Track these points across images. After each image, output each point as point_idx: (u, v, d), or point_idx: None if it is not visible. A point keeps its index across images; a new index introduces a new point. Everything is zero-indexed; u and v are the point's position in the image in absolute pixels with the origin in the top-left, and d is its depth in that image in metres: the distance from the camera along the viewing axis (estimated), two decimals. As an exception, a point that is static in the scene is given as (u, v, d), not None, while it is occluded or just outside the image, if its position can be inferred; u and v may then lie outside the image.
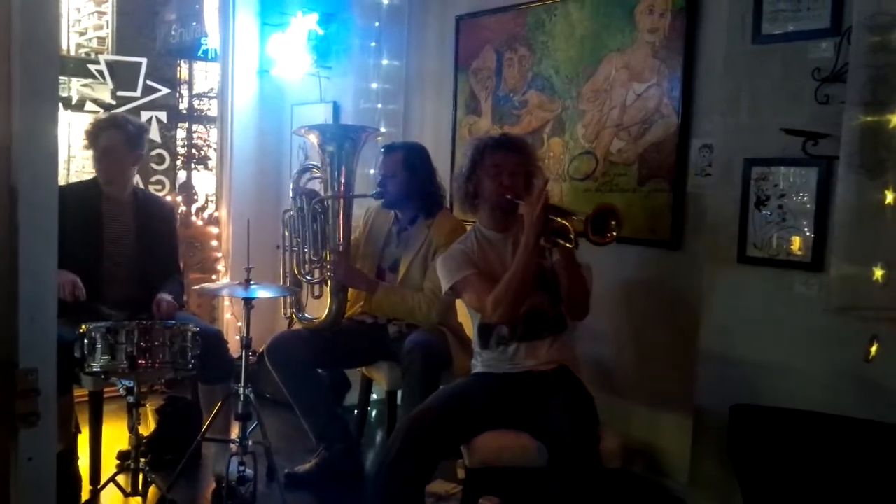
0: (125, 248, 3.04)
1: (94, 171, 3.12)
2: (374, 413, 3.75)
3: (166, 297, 2.94)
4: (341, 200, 3.03)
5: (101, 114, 3.89)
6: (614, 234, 2.16)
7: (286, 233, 3.11)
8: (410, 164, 3.05)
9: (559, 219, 2.25)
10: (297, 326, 3.19)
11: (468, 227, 3.05)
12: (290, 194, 3.18)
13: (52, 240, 1.23)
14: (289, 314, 3.17)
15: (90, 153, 3.12)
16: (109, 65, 4.15)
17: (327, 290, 3.06)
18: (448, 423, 2.34)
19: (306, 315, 3.13)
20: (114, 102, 4.13)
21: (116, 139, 3.03)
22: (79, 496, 2.80)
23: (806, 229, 2.21)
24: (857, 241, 1.95)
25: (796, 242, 2.24)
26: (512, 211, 2.52)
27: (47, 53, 1.25)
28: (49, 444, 1.29)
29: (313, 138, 3.08)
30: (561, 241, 2.28)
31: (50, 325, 1.25)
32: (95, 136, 3.04)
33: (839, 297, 1.99)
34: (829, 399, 2.12)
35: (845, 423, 2.01)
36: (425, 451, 2.28)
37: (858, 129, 1.92)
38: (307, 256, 3.05)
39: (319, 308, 3.09)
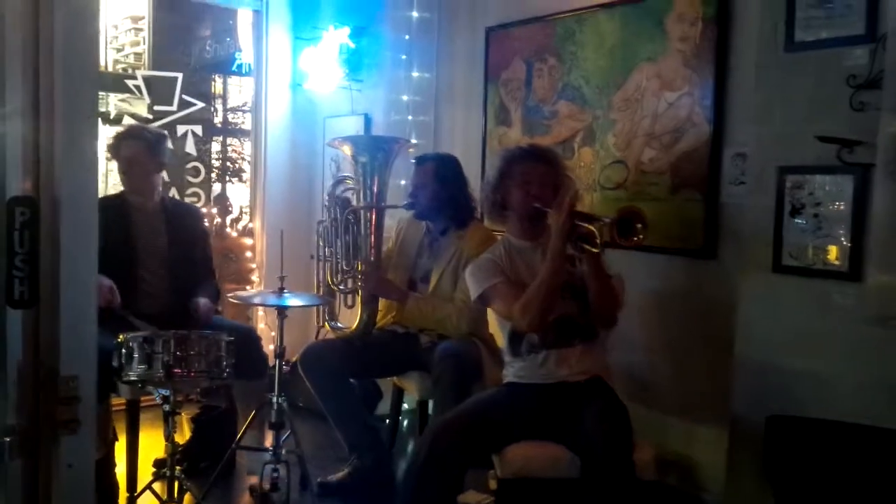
0: (158, 258, 3.09)
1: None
2: (405, 423, 3.76)
3: (203, 300, 2.99)
4: (373, 211, 3.06)
5: (138, 125, 3.96)
6: (641, 236, 2.17)
7: (320, 243, 3.15)
8: (441, 175, 3.07)
9: (585, 224, 2.27)
10: (329, 336, 3.21)
11: (499, 238, 3.06)
12: (325, 204, 3.22)
13: (93, 250, 1.27)
14: (321, 323, 3.19)
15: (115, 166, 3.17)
16: (146, 80, 4.24)
17: (359, 299, 3.08)
18: (476, 431, 2.35)
19: (338, 324, 3.16)
20: (150, 117, 4.22)
21: (137, 148, 3.10)
22: (116, 500, 2.85)
23: (842, 238, 2.18)
24: (894, 249, 1.91)
25: (832, 251, 2.21)
26: (540, 220, 2.52)
27: (87, 72, 1.29)
28: (89, 451, 1.32)
29: (346, 150, 3.12)
30: (587, 247, 2.29)
31: (90, 333, 1.28)
32: (117, 147, 3.11)
33: (877, 307, 1.96)
34: (869, 410, 2.08)
35: (885, 434, 1.97)
36: (452, 458, 2.28)
37: (895, 136, 1.90)
38: (340, 266, 3.08)
39: (352, 318, 3.12)
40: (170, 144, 3.32)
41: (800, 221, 2.27)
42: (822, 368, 2.21)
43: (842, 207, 2.18)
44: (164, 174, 3.43)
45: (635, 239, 2.18)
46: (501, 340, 2.67)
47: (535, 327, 2.42)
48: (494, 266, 2.54)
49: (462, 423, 2.36)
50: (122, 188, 3.23)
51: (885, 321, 1.96)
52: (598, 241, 2.23)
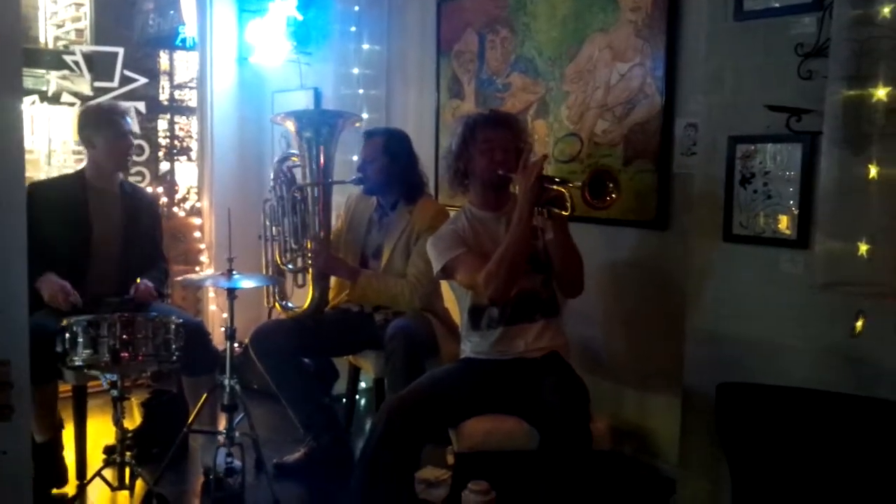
0: (112, 241, 3.01)
1: (88, 162, 3.07)
2: (362, 402, 3.74)
3: (145, 281, 2.92)
4: (321, 188, 3.00)
5: (102, 101, 3.80)
6: (613, 196, 2.16)
7: (267, 222, 3.08)
8: (391, 149, 3.02)
9: (555, 186, 2.23)
10: (281, 316, 3.16)
11: (451, 212, 3.03)
12: (270, 183, 3.15)
13: (21, 232, 1.21)
14: (272, 303, 3.14)
15: (92, 138, 3.01)
16: (86, 56, 4.08)
17: (310, 278, 3.03)
18: (431, 407, 2.33)
19: (289, 304, 3.11)
20: (91, 94, 4.07)
21: (129, 126, 3.02)
22: (65, 483, 2.79)
23: (792, 206, 2.20)
24: (841, 216, 1.93)
25: (782, 220, 2.23)
26: (504, 188, 2.48)
27: (8, 46, 1.22)
28: (24, 438, 1.27)
29: (290, 125, 3.05)
30: (556, 210, 2.26)
31: (21, 317, 1.23)
32: (109, 123, 2.98)
33: (825, 274, 1.98)
34: (817, 375, 2.11)
35: (832, 398, 2.01)
36: (407, 435, 2.27)
37: (841, 104, 1.90)
38: (288, 245, 3.02)
39: (303, 297, 3.07)
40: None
41: (750, 190, 2.28)
42: (772, 336, 2.24)
43: (791, 175, 2.19)
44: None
45: (608, 199, 2.16)
46: (459, 314, 2.65)
47: (500, 297, 2.36)
48: (457, 237, 2.49)
49: (417, 399, 2.34)
50: (67, 170, 3.12)
51: (831, 287, 1.98)
52: (568, 203, 2.19)
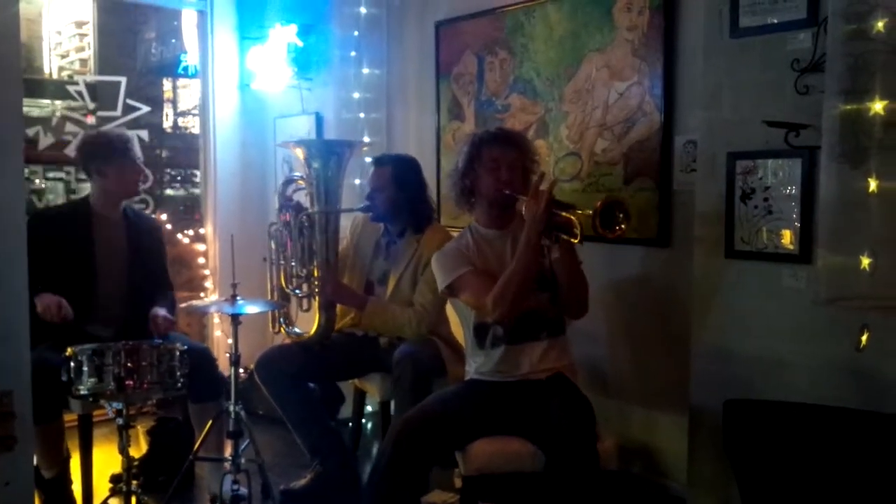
0: (117, 268, 3.00)
1: (95, 190, 3.05)
2: (369, 425, 3.72)
3: (162, 311, 2.92)
4: (328, 215, 3.00)
5: (104, 130, 3.80)
6: (623, 226, 2.15)
7: (273, 246, 3.09)
8: (400, 178, 3.01)
9: (563, 213, 2.22)
10: (286, 340, 3.16)
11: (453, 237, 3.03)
12: (277, 207, 3.16)
13: (22, 262, 1.22)
14: (277, 329, 3.13)
15: (103, 168, 2.99)
16: (89, 85, 4.12)
17: (315, 303, 3.03)
18: (438, 428, 2.32)
19: (295, 329, 3.10)
20: (94, 123, 4.10)
21: (139, 154, 3.03)
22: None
23: (793, 221, 2.20)
24: (842, 230, 1.93)
25: (784, 235, 2.23)
26: (510, 206, 2.48)
27: (9, 78, 1.23)
28: (27, 468, 1.27)
29: (299, 153, 3.06)
30: (564, 237, 2.26)
31: (23, 347, 1.23)
32: (123, 151, 2.98)
33: (827, 288, 1.97)
34: (822, 390, 2.10)
35: (838, 413, 2.00)
36: (416, 456, 2.26)
37: (839, 119, 1.91)
38: (294, 271, 3.02)
39: (308, 321, 3.06)
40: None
41: (751, 206, 2.28)
42: (777, 351, 2.23)
43: (791, 191, 2.20)
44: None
45: (618, 229, 2.15)
46: (463, 334, 2.64)
47: (506, 318, 2.37)
48: (461, 255, 2.49)
49: (424, 420, 2.33)
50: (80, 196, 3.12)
51: (835, 301, 1.97)
52: (576, 230, 2.18)
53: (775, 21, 2.21)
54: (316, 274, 3.00)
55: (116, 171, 2.98)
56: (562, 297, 2.45)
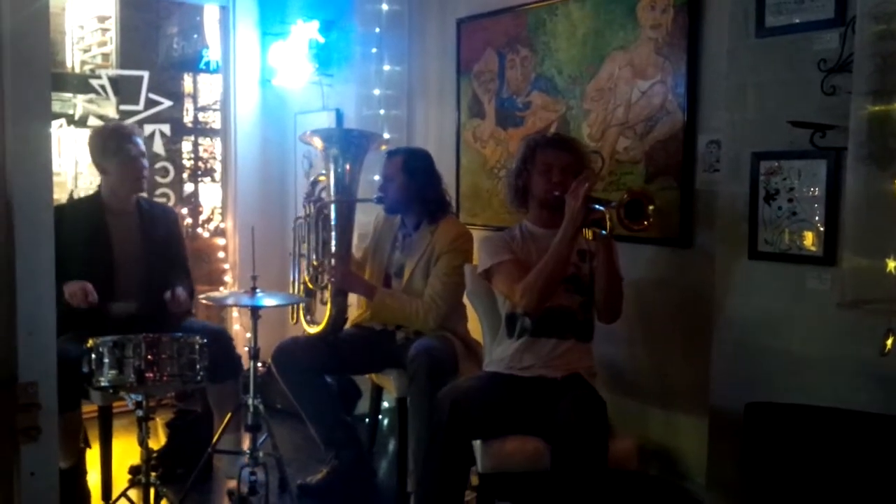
0: (135, 259, 3.03)
1: (103, 186, 3.07)
2: (385, 421, 3.73)
3: (180, 288, 2.94)
4: (342, 204, 3.02)
5: (111, 123, 3.86)
6: (651, 219, 2.18)
7: (297, 240, 3.11)
8: (410, 167, 3.03)
9: (598, 207, 2.30)
10: (305, 333, 3.17)
11: (473, 233, 3.04)
12: (303, 202, 3.18)
13: (49, 253, 1.23)
14: (295, 320, 3.15)
15: (103, 164, 3.04)
16: (112, 79, 4.16)
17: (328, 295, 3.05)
18: (486, 404, 2.39)
19: (312, 321, 3.12)
20: (117, 117, 4.14)
21: (139, 147, 3.04)
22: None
23: (817, 223, 2.18)
24: (868, 233, 1.90)
25: (808, 236, 2.21)
26: (560, 209, 2.50)
27: (38, 73, 1.24)
28: (51, 459, 1.28)
29: (317, 143, 3.08)
30: (597, 230, 2.33)
31: (49, 338, 1.24)
32: (118, 149, 2.99)
33: (852, 291, 1.95)
34: (846, 394, 2.08)
35: (862, 418, 1.97)
36: (469, 421, 2.33)
37: (866, 119, 1.89)
38: (310, 262, 3.05)
39: (324, 314, 3.08)
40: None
41: (775, 207, 2.26)
42: (800, 354, 2.21)
43: (816, 192, 2.17)
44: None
45: (645, 223, 2.19)
46: (484, 327, 2.71)
47: (532, 309, 2.45)
48: (506, 244, 2.58)
49: (469, 389, 2.43)
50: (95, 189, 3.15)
51: (859, 304, 1.95)
52: (607, 224, 2.25)
53: (802, 21, 2.19)
54: (329, 264, 3.02)
55: (116, 167, 3.01)
56: (597, 301, 2.51)
